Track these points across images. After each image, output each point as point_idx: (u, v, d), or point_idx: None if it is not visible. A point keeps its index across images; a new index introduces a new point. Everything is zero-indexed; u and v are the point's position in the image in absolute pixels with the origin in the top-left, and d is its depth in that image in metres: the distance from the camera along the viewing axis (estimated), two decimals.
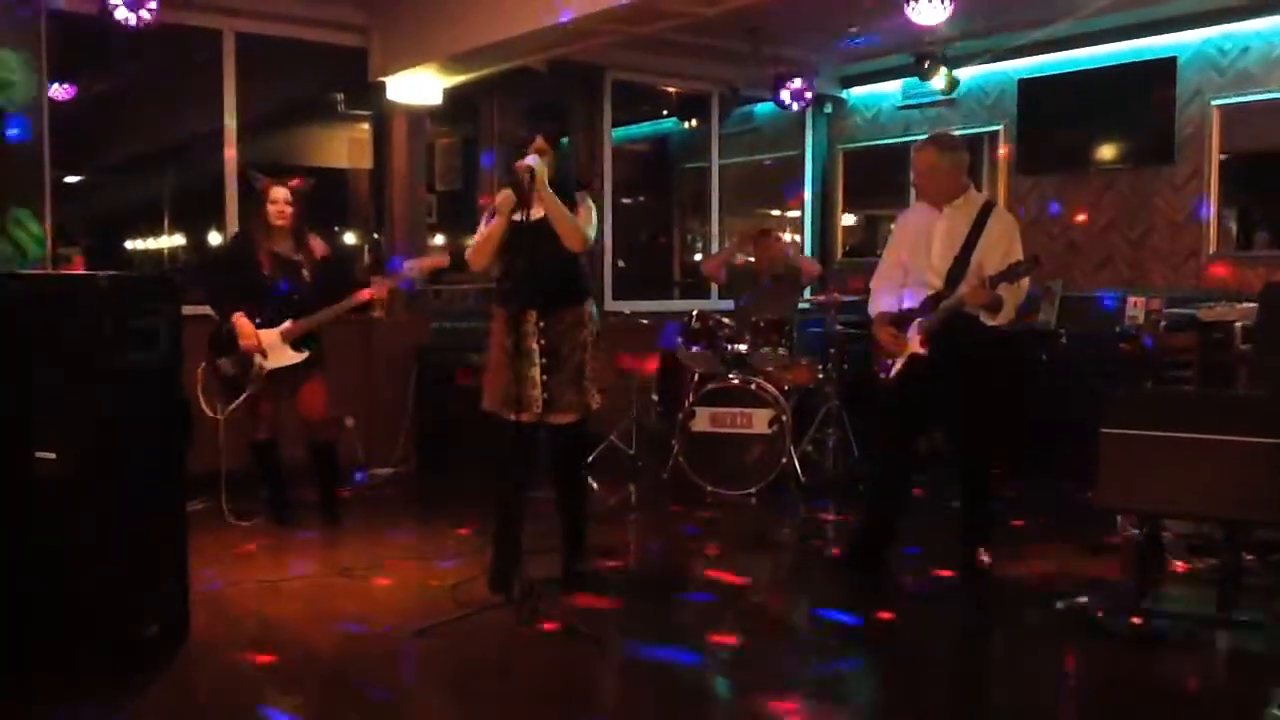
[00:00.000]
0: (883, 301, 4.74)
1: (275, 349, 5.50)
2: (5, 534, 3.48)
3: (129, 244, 8.92)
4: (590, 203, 4.51)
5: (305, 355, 5.54)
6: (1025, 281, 4.40)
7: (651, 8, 5.39)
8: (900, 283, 4.72)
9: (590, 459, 6.75)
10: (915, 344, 4.56)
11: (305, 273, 5.57)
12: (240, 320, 5.45)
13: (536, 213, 4.27)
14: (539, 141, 4.35)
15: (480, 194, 8.30)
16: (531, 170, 4.17)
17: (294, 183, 5.57)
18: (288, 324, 5.49)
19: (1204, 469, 3.85)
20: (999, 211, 4.66)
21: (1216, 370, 6.18)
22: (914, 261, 4.67)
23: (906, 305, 4.65)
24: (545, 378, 4.34)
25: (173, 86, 7.41)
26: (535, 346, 4.33)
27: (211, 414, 5.45)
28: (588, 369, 4.44)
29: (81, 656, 3.45)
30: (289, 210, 5.50)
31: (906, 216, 4.89)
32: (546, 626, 4.02)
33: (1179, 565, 4.77)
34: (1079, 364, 6.88)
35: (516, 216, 4.24)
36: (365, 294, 5.58)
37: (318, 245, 5.67)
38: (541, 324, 4.34)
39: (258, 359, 5.48)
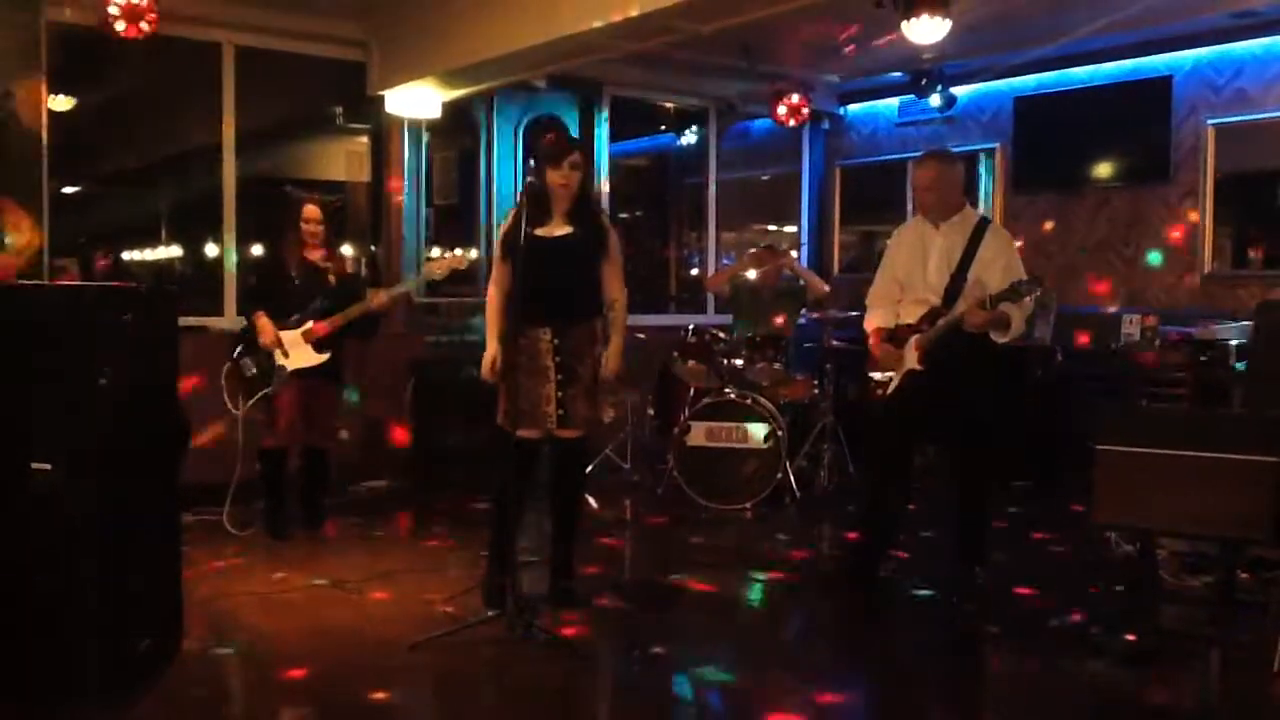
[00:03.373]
0: (879, 317, 4.74)
1: (297, 349, 5.58)
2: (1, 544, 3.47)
3: (126, 255, 8.92)
4: (615, 232, 4.54)
5: (326, 357, 5.61)
6: (1029, 299, 4.40)
7: (649, 23, 5.42)
8: (896, 299, 4.73)
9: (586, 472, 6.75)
10: (912, 360, 4.57)
11: (332, 279, 5.72)
12: (261, 319, 5.57)
13: (552, 230, 4.29)
14: (575, 156, 4.35)
15: (478, 208, 8.30)
16: None
17: (322, 199, 5.85)
18: (310, 324, 5.57)
19: (1199, 487, 3.85)
20: (994, 228, 4.66)
21: (1211, 388, 6.20)
22: (910, 278, 4.67)
23: (903, 321, 4.66)
24: (560, 394, 4.34)
25: (172, 99, 7.43)
26: (551, 363, 4.34)
27: (234, 410, 5.53)
28: (602, 384, 4.44)
29: (75, 669, 3.43)
30: (321, 230, 5.72)
31: (902, 233, 4.90)
32: (539, 641, 4.01)
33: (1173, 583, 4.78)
34: (1074, 381, 6.89)
35: (540, 231, 4.27)
36: (374, 302, 5.66)
37: (347, 259, 5.91)
38: (556, 340, 4.35)
39: (279, 358, 5.56)
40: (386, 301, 5.73)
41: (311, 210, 5.70)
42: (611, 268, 4.48)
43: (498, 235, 4.57)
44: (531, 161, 4.50)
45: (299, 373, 5.59)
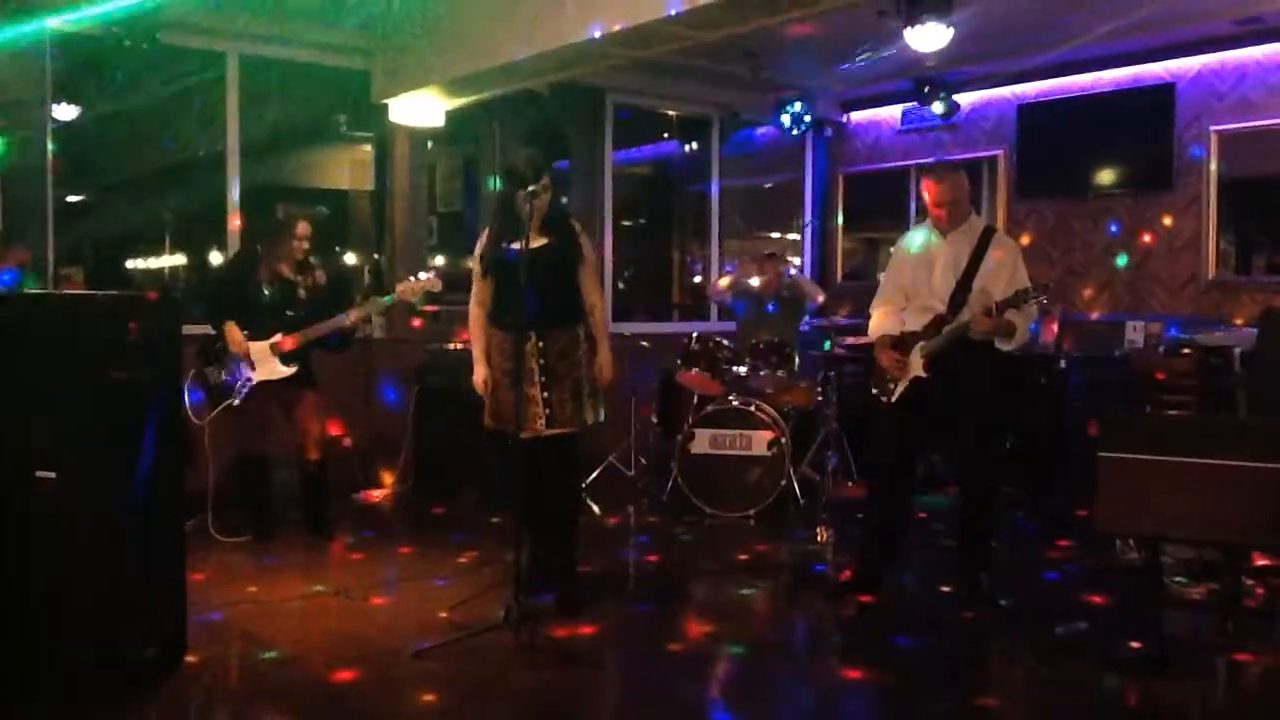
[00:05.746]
0: (884, 325, 4.74)
1: (264, 361, 5.61)
2: (4, 553, 3.47)
3: (130, 263, 8.94)
4: (587, 238, 4.71)
5: (293, 370, 5.64)
6: (1033, 306, 4.40)
7: (653, 32, 5.43)
8: (901, 306, 4.72)
9: (588, 480, 6.75)
10: (918, 367, 4.57)
11: (301, 292, 5.74)
12: (230, 328, 5.60)
13: (534, 242, 4.35)
14: (545, 180, 4.44)
15: (481, 216, 8.32)
16: None
17: (313, 215, 5.85)
18: (278, 337, 5.59)
19: (1202, 494, 3.84)
20: (1000, 236, 4.66)
21: (1215, 395, 6.19)
22: (915, 286, 4.67)
23: (908, 328, 4.65)
24: (546, 395, 4.49)
25: (176, 108, 7.45)
26: (535, 366, 4.48)
27: (196, 421, 5.54)
28: (586, 385, 4.57)
29: (80, 677, 3.43)
30: (309, 247, 5.78)
31: (906, 240, 4.90)
32: (543, 648, 4.01)
33: (1180, 590, 4.76)
34: (1078, 388, 6.88)
35: (515, 245, 4.36)
36: (345, 320, 5.67)
37: (318, 272, 5.88)
38: (540, 345, 4.48)
39: (245, 369, 5.58)
40: (356, 320, 5.72)
41: (305, 227, 5.74)
42: (588, 274, 4.65)
43: (477, 253, 4.69)
44: (505, 179, 4.57)
45: (265, 384, 5.63)
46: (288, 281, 5.72)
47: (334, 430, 6.42)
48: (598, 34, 5.50)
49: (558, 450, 4.57)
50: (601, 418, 4.68)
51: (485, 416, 4.67)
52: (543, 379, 4.49)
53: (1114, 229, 7.56)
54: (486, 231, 4.67)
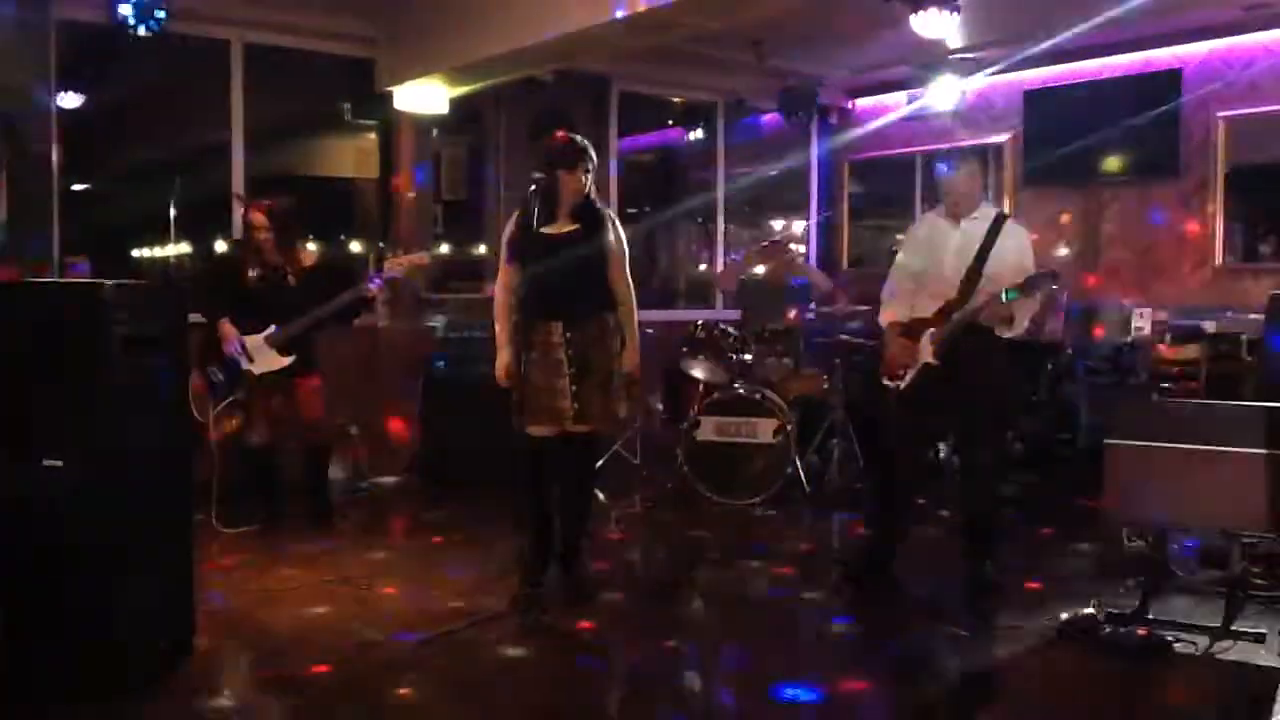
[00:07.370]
0: (894, 312, 4.73)
1: (261, 353, 5.62)
2: (11, 543, 3.47)
3: (135, 252, 8.94)
4: (618, 224, 4.54)
5: (291, 360, 5.64)
6: (1039, 294, 4.39)
7: (658, 19, 5.41)
8: (911, 294, 4.71)
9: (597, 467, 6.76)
10: (928, 354, 4.56)
11: (291, 280, 5.71)
12: (224, 325, 5.59)
13: (559, 229, 4.31)
14: (592, 162, 4.37)
15: (486, 203, 8.32)
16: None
17: (267, 204, 5.75)
18: (272, 328, 5.59)
19: (1210, 481, 3.84)
20: (1011, 224, 4.65)
21: (1223, 382, 6.17)
22: (926, 273, 4.65)
23: (918, 315, 4.65)
24: (575, 388, 4.32)
25: (181, 96, 7.44)
26: (564, 357, 4.33)
27: (201, 419, 5.53)
28: (617, 378, 4.43)
29: (87, 669, 3.44)
30: (268, 235, 5.67)
31: (918, 228, 4.89)
32: (548, 635, 4.01)
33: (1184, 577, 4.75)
34: (1085, 375, 6.87)
35: (546, 229, 4.30)
36: (331, 308, 5.65)
37: (306, 255, 5.89)
38: (568, 334, 4.34)
39: (244, 364, 5.59)
40: (347, 300, 5.69)
41: (257, 218, 5.67)
42: (616, 263, 4.46)
43: (505, 237, 4.54)
44: (544, 160, 4.42)
45: (265, 376, 5.62)
46: (275, 271, 5.69)
47: (339, 418, 6.42)
48: (602, 21, 5.48)
49: (582, 446, 4.44)
50: (625, 412, 4.51)
51: (515, 418, 4.38)
52: (572, 370, 4.30)
53: (1121, 215, 7.54)
54: (516, 215, 4.46)
